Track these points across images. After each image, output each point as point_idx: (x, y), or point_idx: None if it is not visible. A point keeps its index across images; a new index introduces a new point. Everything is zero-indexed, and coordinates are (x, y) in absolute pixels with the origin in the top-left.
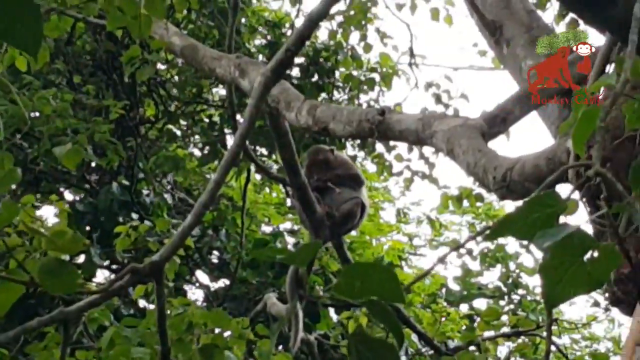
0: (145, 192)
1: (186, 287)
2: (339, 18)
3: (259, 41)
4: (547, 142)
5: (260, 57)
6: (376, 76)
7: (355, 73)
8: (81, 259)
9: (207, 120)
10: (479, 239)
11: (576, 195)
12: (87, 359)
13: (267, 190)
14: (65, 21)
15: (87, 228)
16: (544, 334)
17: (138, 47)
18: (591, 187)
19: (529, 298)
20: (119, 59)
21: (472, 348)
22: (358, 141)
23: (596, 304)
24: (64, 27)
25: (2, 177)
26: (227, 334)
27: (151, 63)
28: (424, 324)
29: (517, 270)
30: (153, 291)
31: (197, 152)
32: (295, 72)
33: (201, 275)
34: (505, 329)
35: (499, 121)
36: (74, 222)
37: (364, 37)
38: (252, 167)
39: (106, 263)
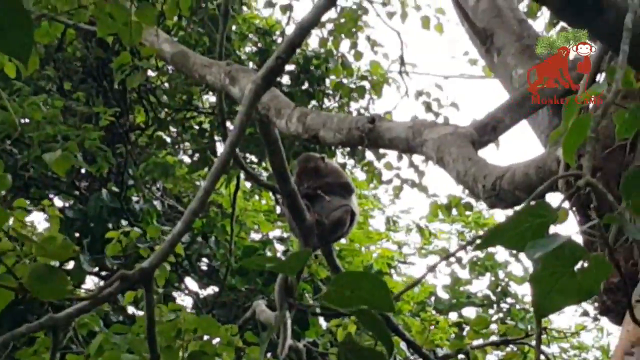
0: (134, 198)
1: (175, 294)
2: (330, 26)
3: (249, 48)
4: (537, 151)
5: (251, 64)
6: (366, 84)
7: (345, 81)
8: (70, 265)
9: (197, 127)
10: (468, 247)
11: (566, 204)
12: None
13: (257, 197)
14: (56, 27)
15: (77, 234)
16: (533, 342)
17: (128, 54)
18: (581, 197)
19: (517, 307)
20: (110, 65)
21: (461, 356)
22: (348, 149)
23: (585, 313)
24: (55, 33)
25: None
26: (215, 341)
27: (141, 70)
28: (413, 332)
29: (506, 279)
30: (142, 298)
31: (186, 159)
32: (285, 79)
33: (190, 283)
34: (494, 338)
35: (489, 130)
36: (63, 229)
37: (354, 45)
38: (242, 175)
39: (95, 270)
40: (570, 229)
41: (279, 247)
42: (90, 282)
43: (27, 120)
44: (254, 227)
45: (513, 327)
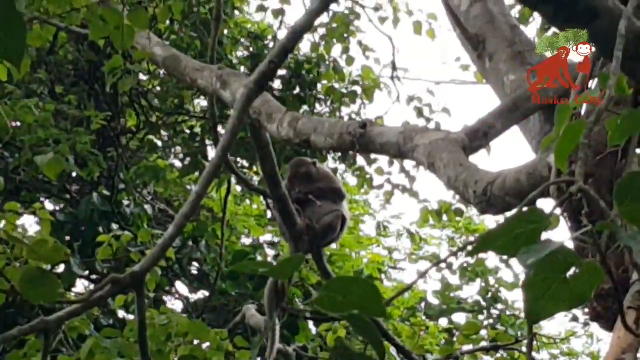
0: (125, 202)
1: (166, 298)
2: (322, 31)
3: (241, 53)
4: (529, 157)
5: (243, 68)
6: (358, 89)
7: (337, 86)
8: (61, 268)
9: (188, 131)
10: (459, 253)
11: (557, 210)
12: None
13: (248, 202)
14: (48, 30)
15: (67, 238)
16: (523, 348)
17: (120, 58)
18: (573, 203)
19: (508, 313)
20: (101, 69)
21: None
22: (339, 154)
23: (575, 319)
24: (47, 36)
25: None
26: (205, 345)
27: (133, 74)
28: (403, 337)
29: (497, 285)
30: (133, 302)
31: (178, 163)
32: (277, 84)
33: (181, 287)
34: (484, 344)
35: (480, 135)
36: (54, 232)
37: (346, 50)
38: (233, 179)
39: (86, 273)
40: (561, 235)
41: (270, 252)
42: (81, 286)
43: (18, 124)
44: (244, 232)
45: (503, 333)
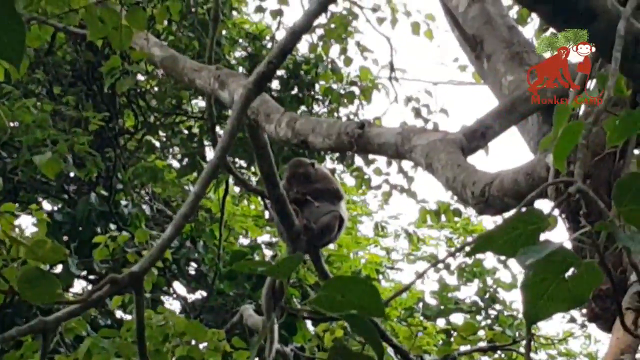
0: (123, 202)
1: (163, 298)
2: (320, 31)
3: (239, 53)
4: (526, 158)
5: (241, 69)
6: (356, 89)
7: (335, 86)
8: (59, 268)
9: (186, 131)
10: (457, 254)
11: (555, 211)
12: None
13: (246, 202)
14: (46, 31)
15: (65, 238)
16: (521, 349)
17: (118, 58)
18: (571, 204)
19: (505, 313)
20: (99, 69)
21: None
22: (337, 154)
23: (572, 319)
24: (45, 36)
25: None
26: (203, 345)
27: (131, 74)
28: (400, 338)
29: (495, 286)
30: (130, 302)
31: (175, 164)
32: (275, 84)
33: (178, 287)
34: (482, 344)
35: (478, 136)
36: (51, 232)
37: (344, 51)
38: (231, 179)
39: (84, 273)
40: (559, 236)
41: (268, 252)
42: (78, 286)
43: (16, 124)
44: (242, 232)
45: (500, 334)
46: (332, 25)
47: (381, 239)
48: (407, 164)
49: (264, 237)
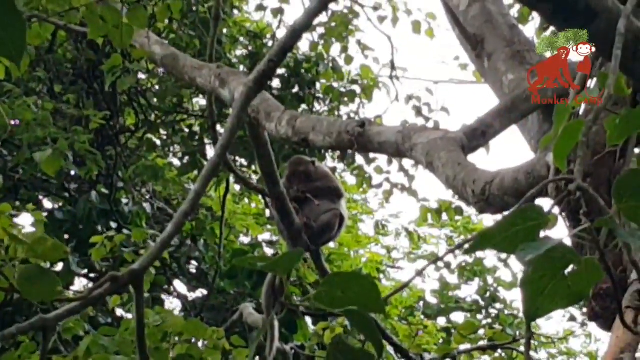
0: (124, 201)
1: (164, 296)
2: (321, 29)
3: (240, 52)
4: (527, 157)
5: (242, 67)
6: (357, 88)
7: (336, 85)
8: (59, 267)
9: (187, 130)
10: (457, 252)
11: (556, 210)
12: None
13: (246, 200)
14: (47, 29)
15: (66, 236)
16: (521, 348)
17: (119, 56)
18: (571, 203)
19: (506, 312)
20: (100, 67)
21: None
22: (338, 153)
23: (573, 318)
24: (45, 34)
25: None
26: (202, 343)
27: (132, 72)
28: (401, 336)
29: (495, 285)
30: (130, 300)
31: (176, 162)
32: (276, 83)
33: (179, 285)
34: (482, 343)
35: (478, 135)
36: (52, 231)
37: (345, 49)
38: (232, 178)
39: (84, 271)
40: (560, 235)
41: (268, 251)
42: (79, 284)
43: (17, 122)
44: (243, 231)
45: (501, 332)
46: (333, 24)
47: (382, 237)
48: (407, 163)
49: (265, 236)
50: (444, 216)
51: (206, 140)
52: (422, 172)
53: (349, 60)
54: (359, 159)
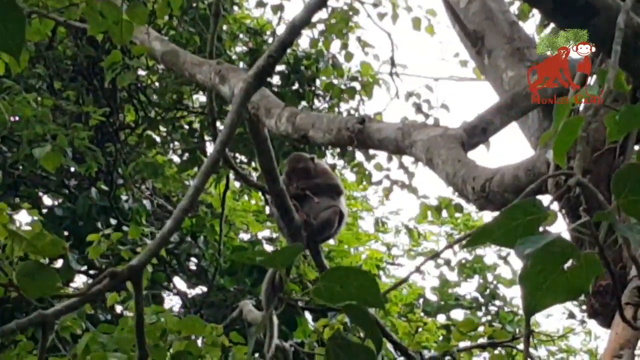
0: (124, 197)
1: (163, 293)
2: (321, 26)
3: (240, 48)
4: (527, 153)
5: (241, 64)
6: (357, 85)
7: (335, 81)
8: (59, 263)
9: (187, 126)
10: (457, 249)
11: (555, 205)
12: None
13: (246, 197)
14: (46, 25)
15: (65, 233)
16: (520, 345)
17: (119, 53)
18: (571, 198)
19: (506, 309)
20: (100, 64)
21: (447, 358)
22: (338, 150)
23: (572, 315)
24: (45, 31)
25: None
26: (201, 340)
27: (132, 69)
28: (400, 333)
29: (495, 282)
30: (128, 297)
31: (176, 159)
32: (275, 79)
33: (179, 282)
34: (482, 340)
35: (478, 131)
36: (52, 227)
37: (345, 46)
38: (232, 174)
39: (84, 268)
40: (560, 229)
41: (268, 247)
42: (79, 281)
43: (16, 119)
44: (243, 227)
45: (500, 330)
46: (333, 21)
47: (382, 234)
48: (407, 160)
49: (265, 233)
50: (444, 213)
51: (206, 137)
52: (422, 169)
53: (349, 57)
54: (359, 156)
